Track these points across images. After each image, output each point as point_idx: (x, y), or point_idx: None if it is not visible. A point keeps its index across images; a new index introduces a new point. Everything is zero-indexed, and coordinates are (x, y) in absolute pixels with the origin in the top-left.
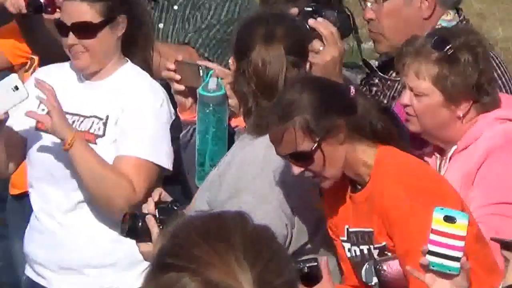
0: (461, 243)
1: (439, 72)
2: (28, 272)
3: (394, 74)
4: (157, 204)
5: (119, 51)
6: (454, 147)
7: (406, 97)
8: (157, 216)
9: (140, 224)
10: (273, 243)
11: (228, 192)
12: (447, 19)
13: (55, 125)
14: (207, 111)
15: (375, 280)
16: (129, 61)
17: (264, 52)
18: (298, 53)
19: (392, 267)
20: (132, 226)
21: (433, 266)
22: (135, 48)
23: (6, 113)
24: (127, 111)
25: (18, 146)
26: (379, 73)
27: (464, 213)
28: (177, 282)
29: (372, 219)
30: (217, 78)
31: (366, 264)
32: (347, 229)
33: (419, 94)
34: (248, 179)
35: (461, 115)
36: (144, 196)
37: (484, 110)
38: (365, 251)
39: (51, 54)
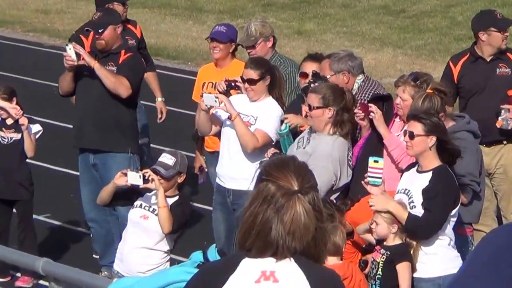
0: (381, 171)
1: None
2: None
3: None
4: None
5: (266, 91)
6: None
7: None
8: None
9: None
10: (307, 171)
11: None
12: (359, 80)
13: (228, 108)
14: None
15: None
16: (269, 95)
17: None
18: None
19: None
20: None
21: (371, 183)
22: (272, 90)
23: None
24: (264, 115)
25: (216, 123)
26: None
27: (382, 158)
28: (265, 186)
29: None
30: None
31: None
32: None
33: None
34: (321, 156)
35: None
36: (260, 146)
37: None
38: None
39: None
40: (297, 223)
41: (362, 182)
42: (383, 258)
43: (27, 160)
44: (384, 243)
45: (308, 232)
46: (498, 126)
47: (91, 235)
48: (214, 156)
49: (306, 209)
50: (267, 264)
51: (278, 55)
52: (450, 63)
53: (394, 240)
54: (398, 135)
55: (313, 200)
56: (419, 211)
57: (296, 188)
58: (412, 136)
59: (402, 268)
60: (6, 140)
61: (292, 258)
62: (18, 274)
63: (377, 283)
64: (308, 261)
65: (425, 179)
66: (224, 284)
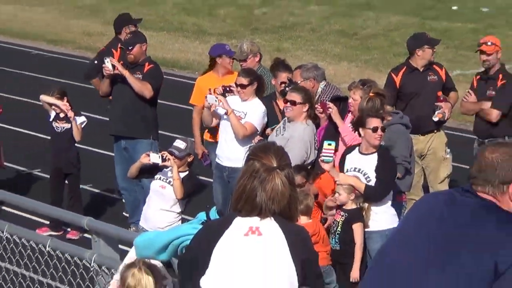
0: (332, 151)
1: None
2: None
3: None
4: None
5: (254, 93)
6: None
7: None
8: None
9: None
10: (284, 152)
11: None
12: (322, 86)
13: (225, 106)
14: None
15: None
16: (256, 97)
17: None
18: None
19: None
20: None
21: (325, 161)
22: (258, 93)
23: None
24: (251, 111)
25: (216, 117)
26: None
27: (334, 141)
28: (252, 164)
29: None
30: None
31: None
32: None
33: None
34: (296, 140)
35: None
36: (249, 134)
37: None
38: None
39: None
40: (276, 191)
41: (318, 160)
42: (342, 218)
43: (76, 144)
44: (344, 207)
45: (284, 198)
46: (438, 118)
47: (123, 200)
48: (213, 145)
49: (282, 181)
50: (254, 221)
51: (262, 67)
52: (392, 74)
53: (351, 205)
54: (349, 125)
55: (288, 174)
56: (373, 183)
57: (275, 165)
58: (384, 129)
59: (357, 227)
60: (60, 129)
61: (272, 218)
62: (69, 229)
63: (336, 237)
64: (284, 220)
65: (373, 159)
66: (221, 237)
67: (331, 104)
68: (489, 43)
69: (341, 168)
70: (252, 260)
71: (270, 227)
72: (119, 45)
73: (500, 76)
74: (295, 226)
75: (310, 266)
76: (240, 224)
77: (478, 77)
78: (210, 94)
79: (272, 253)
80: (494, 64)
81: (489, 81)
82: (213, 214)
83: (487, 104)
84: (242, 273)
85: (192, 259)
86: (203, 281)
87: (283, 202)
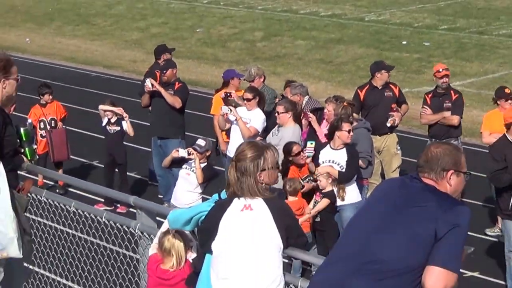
0: (313, 148)
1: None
2: None
3: None
4: None
5: (256, 105)
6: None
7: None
8: None
9: None
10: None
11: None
12: (306, 99)
13: (236, 115)
14: None
15: None
16: (258, 107)
17: None
18: None
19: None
20: None
21: (307, 156)
22: (259, 105)
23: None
24: (254, 118)
25: (229, 123)
26: None
27: (314, 141)
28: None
29: None
30: None
31: None
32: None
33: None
34: (286, 139)
35: None
36: (252, 135)
37: None
38: None
39: None
40: (231, 177)
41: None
42: (320, 199)
43: (124, 143)
44: (323, 190)
45: (238, 182)
46: (391, 124)
47: (159, 184)
48: (227, 143)
49: (235, 170)
50: (247, 200)
51: (266, 86)
52: (358, 90)
53: (328, 188)
54: (325, 130)
55: (242, 165)
56: (344, 170)
57: (233, 158)
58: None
59: (324, 200)
60: (112, 131)
61: (261, 198)
62: (118, 205)
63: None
64: (271, 198)
65: (343, 153)
66: (225, 212)
67: (311, 114)
68: (444, 70)
69: (316, 160)
70: (246, 228)
71: (259, 204)
72: (156, 70)
73: (452, 92)
74: (279, 202)
75: (291, 230)
76: (238, 203)
77: (430, 95)
78: (225, 105)
79: (260, 223)
80: (448, 84)
81: (444, 96)
82: (223, 195)
83: (447, 113)
84: (239, 238)
85: (206, 228)
86: (213, 245)
87: (239, 185)
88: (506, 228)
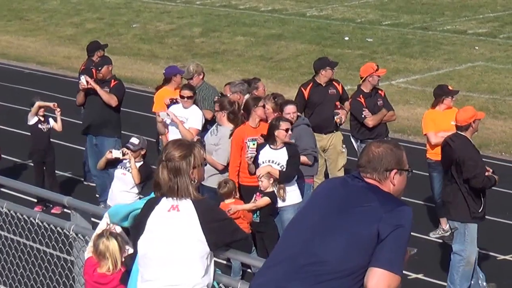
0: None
1: None
2: None
3: None
4: None
5: (193, 102)
6: None
7: None
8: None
9: None
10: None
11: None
12: (246, 97)
13: (174, 118)
14: None
15: None
16: (194, 105)
17: None
18: None
19: None
20: None
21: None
22: (195, 102)
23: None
24: (192, 116)
25: (166, 127)
26: None
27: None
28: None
29: None
30: None
31: None
32: None
33: None
34: (225, 138)
35: None
36: (193, 136)
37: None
38: None
39: None
40: (161, 178)
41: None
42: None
43: (52, 140)
44: (264, 190)
45: (167, 183)
46: (337, 121)
47: (95, 184)
48: None
49: (167, 170)
50: (175, 201)
51: (205, 83)
52: (302, 88)
53: (269, 189)
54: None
55: (174, 164)
56: (285, 169)
57: (163, 158)
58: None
59: (264, 199)
60: (45, 129)
61: (189, 199)
62: (51, 206)
63: (257, 212)
64: (200, 200)
65: (284, 152)
66: (152, 211)
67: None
68: (379, 69)
69: (256, 161)
70: (170, 231)
71: (186, 205)
72: (91, 67)
73: (379, 90)
74: (208, 203)
75: (224, 227)
76: (166, 203)
77: (362, 96)
78: (162, 111)
79: (186, 224)
80: None
81: (375, 95)
82: None
83: (384, 111)
84: (162, 241)
85: (135, 226)
86: (139, 243)
87: (171, 185)
88: (469, 231)
